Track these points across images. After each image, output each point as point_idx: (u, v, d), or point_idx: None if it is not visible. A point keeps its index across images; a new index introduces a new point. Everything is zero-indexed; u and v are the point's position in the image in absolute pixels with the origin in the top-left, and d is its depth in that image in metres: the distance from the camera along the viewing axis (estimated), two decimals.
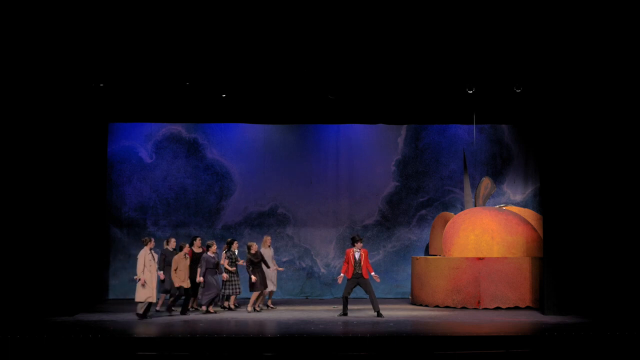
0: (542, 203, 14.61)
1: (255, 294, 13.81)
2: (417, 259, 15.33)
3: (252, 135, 17.00)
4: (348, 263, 13.03)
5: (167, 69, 13.07)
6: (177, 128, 16.96)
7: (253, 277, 13.65)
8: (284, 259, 16.77)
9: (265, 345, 9.97)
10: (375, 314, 12.88)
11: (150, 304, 12.75)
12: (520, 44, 12.59)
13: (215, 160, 17.01)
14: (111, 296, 16.38)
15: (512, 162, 17.36)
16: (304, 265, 16.98)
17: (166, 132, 16.93)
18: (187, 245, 13.69)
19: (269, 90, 13.91)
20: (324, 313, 13.52)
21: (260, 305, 14.06)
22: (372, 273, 13.09)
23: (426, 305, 14.63)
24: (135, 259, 12.81)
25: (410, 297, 15.76)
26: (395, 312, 13.59)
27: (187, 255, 13.46)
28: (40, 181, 12.91)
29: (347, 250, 13.17)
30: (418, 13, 12.07)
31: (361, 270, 12.96)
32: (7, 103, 12.84)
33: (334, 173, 17.15)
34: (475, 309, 14.01)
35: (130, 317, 12.81)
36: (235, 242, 14.27)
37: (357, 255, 13.00)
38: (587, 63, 12.77)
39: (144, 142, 16.89)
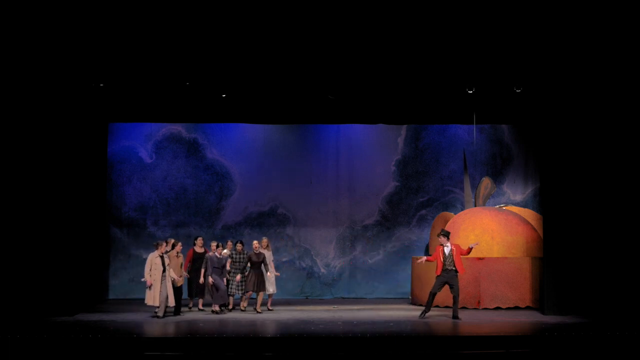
0: (542, 203, 14.61)
1: (260, 295, 13.74)
2: (417, 259, 15.30)
3: (252, 135, 16.99)
4: (437, 259, 12.57)
5: (167, 69, 13.07)
6: (177, 128, 16.95)
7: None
8: (284, 259, 16.76)
9: (266, 345, 9.97)
10: (452, 316, 12.56)
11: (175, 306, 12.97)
12: (520, 44, 12.59)
13: (215, 160, 17.00)
14: (111, 296, 16.36)
15: (512, 162, 17.34)
16: (304, 265, 16.96)
17: (166, 132, 16.92)
18: (179, 243, 13.57)
19: (269, 90, 13.90)
20: (324, 313, 13.51)
21: (252, 306, 13.90)
22: (472, 245, 12.64)
23: None
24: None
25: (410, 297, 15.76)
26: (395, 312, 13.59)
27: (179, 254, 13.41)
28: (40, 181, 12.90)
29: (437, 246, 12.80)
30: (418, 13, 12.07)
31: (453, 266, 12.52)
32: (8, 103, 12.83)
33: (334, 173, 17.13)
34: (475, 309, 14.01)
35: (129, 317, 12.81)
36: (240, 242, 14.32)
37: (446, 250, 12.60)
38: (586, 63, 12.76)
39: (144, 142, 16.88)
